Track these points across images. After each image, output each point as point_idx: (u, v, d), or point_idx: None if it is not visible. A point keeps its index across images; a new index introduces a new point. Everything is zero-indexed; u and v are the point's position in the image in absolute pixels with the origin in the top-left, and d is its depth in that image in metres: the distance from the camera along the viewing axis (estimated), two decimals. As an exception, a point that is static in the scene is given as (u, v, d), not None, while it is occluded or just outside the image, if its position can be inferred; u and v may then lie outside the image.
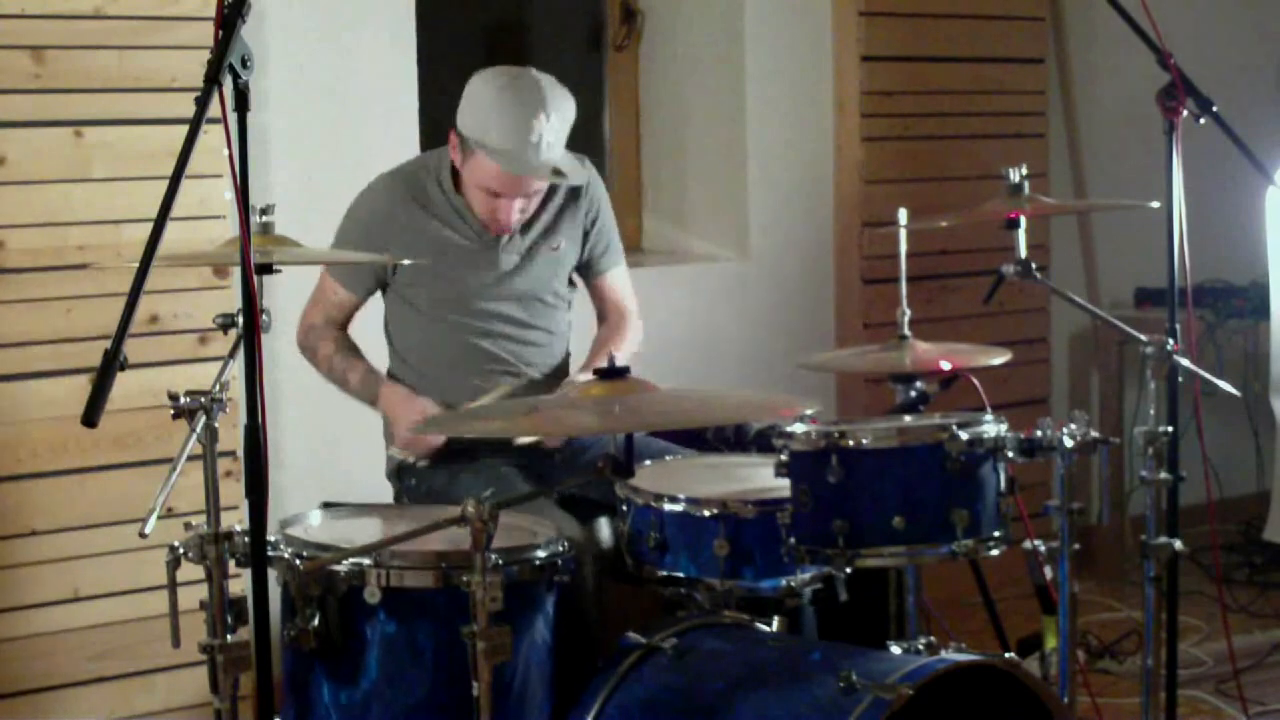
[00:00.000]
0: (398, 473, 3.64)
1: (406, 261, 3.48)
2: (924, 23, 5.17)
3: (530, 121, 3.41)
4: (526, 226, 3.63)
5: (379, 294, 3.69)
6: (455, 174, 3.58)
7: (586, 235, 3.73)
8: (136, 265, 2.36)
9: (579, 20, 5.33)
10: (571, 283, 3.77)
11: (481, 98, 3.47)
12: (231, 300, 3.80)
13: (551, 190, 3.64)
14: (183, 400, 2.77)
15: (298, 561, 2.80)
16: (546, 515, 3.15)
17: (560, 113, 3.47)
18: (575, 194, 3.69)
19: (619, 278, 3.82)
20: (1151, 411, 3.30)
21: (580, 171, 3.57)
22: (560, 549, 2.93)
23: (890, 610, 3.42)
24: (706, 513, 3.14)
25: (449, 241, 3.58)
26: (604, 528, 3.43)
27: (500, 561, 2.69)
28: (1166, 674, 3.39)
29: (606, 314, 3.83)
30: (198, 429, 2.77)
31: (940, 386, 3.56)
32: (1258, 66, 5.99)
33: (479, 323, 3.61)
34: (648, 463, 3.41)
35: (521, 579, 2.84)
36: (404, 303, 3.64)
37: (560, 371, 3.72)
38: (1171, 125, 3.29)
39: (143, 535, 2.69)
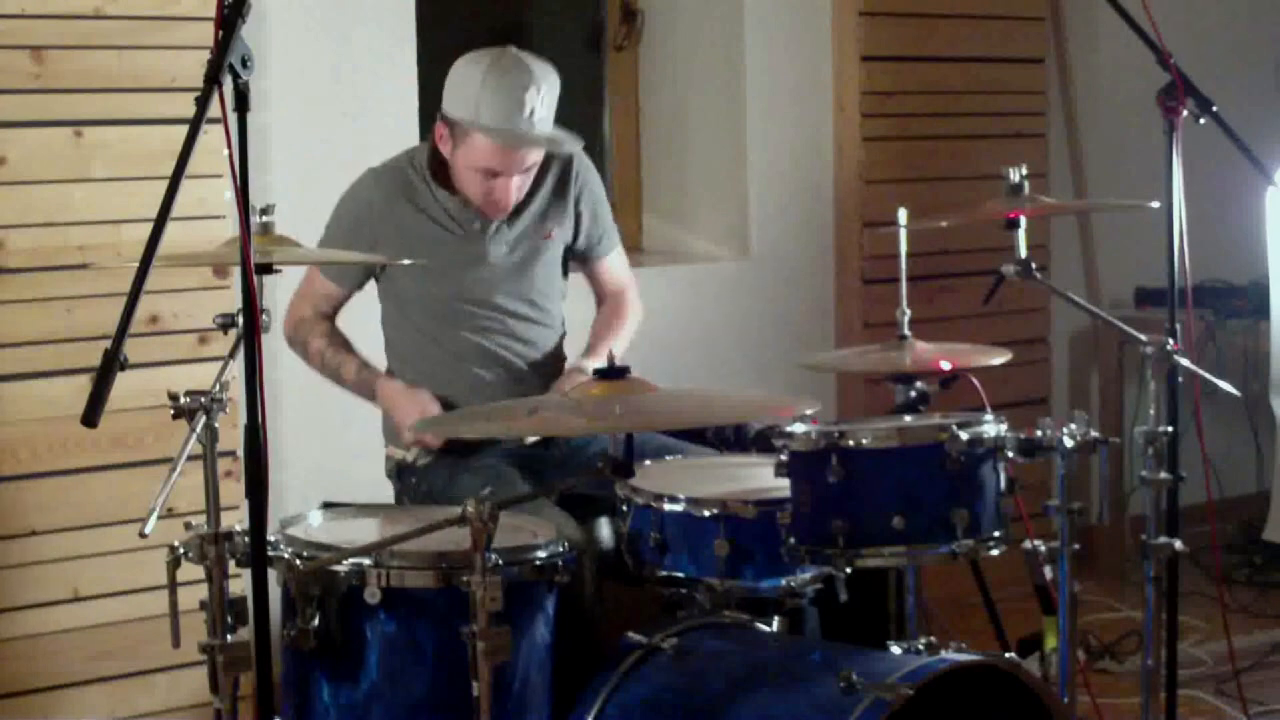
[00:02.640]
0: (398, 472, 3.64)
1: (405, 261, 3.48)
2: (924, 23, 5.17)
3: (521, 96, 3.44)
4: (514, 215, 3.62)
5: (373, 286, 3.69)
6: (436, 167, 3.57)
7: (578, 220, 3.72)
8: (136, 265, 2.36)
9: (579, 20, 5.33)
10: (566, 272, 3.77)
11: (469, 79, 3.48)
12: (231, 300, 3.80)
13: (539, 177, 3.64)
14: (183, 400, 2.78)
15: (298, 561, 2.80)
16: (545, 515, 3.15)
17: (548, 84, 3.49)
18: (563, 179, 3.69)
19: (616, 260, 3.84)
20: (1151, 411, 3.30)
21: (572, 140, 3.59)
22: (560, 549, 2.93)
23: (890, 610, 3.42)
24: (706, 513, 3.14)
25: (437, 236, 3.57)
26: (604, 528, 3.43)
27: (500, 561, 2.69)
28: (1166, 674, 3.39)
29: (604, 298, 3.85)
30: (198, 429, 2.77)
31: (940, 386, 3.56)
32: (1258, 66, 5.99)
33: (473, 317, 3.61)
34: (648, 463, 3.41)
35: (522, 579, 2.83)
36: (395, 299, 3.64)
37: (556, 361, 3.71)
38: (1171, 125, 3.29)
39: (143, 535, 2.69)
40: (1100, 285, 5.70)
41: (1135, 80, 3.80)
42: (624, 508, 3.24)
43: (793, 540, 3.02)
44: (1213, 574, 4.99)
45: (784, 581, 3.16)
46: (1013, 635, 3.79)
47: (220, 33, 2.43)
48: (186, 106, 2.41)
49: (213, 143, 2.51)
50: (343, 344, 3.69)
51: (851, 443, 2.97)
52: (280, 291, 3.71)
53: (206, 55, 2.43)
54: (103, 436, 3.83)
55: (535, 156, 3.54)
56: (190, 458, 2.78)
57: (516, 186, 3.55)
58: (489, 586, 2.58)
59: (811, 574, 3.16)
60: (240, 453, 2.71)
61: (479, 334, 3.61)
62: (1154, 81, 3.31)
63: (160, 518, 2.71)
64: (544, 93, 3.47)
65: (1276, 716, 4.17)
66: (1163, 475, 3.29)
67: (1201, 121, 3.30)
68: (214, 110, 2.41)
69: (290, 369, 4.06)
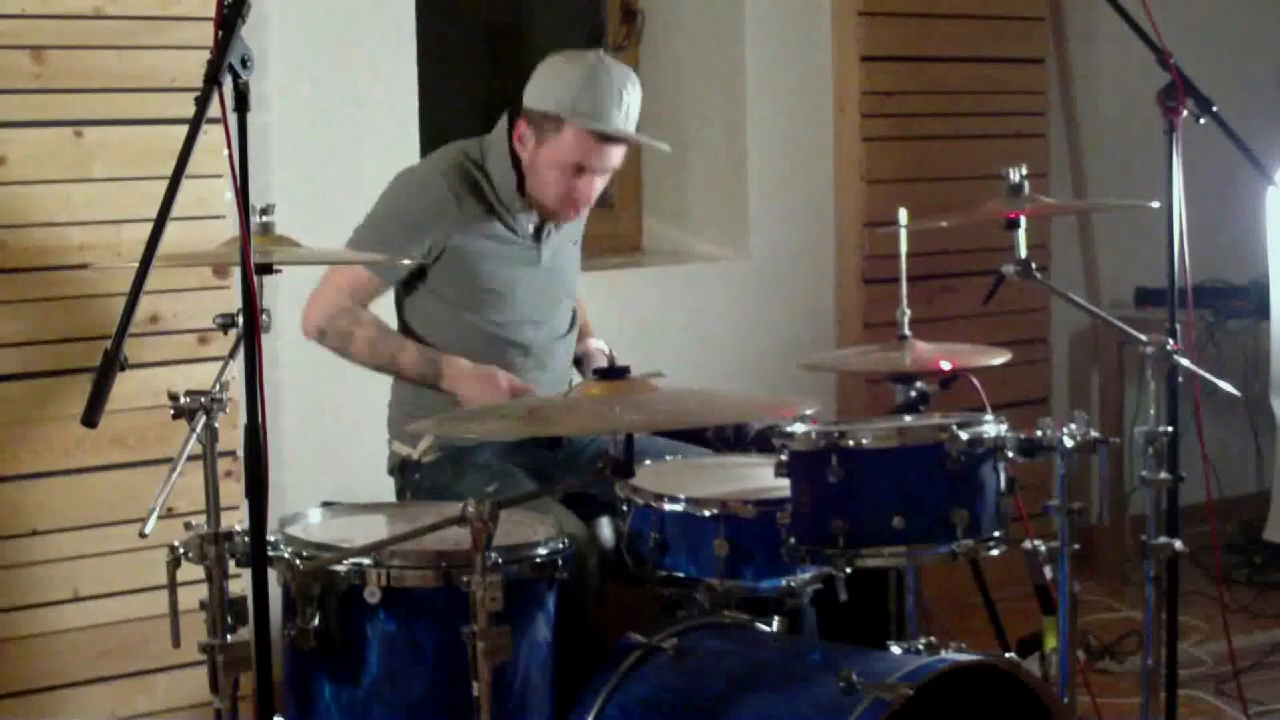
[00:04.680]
0: (401, 468, 3.63)
1: (406, 261, 3.47)
2: (924, 23, 5.17)
3: (621, 93, 3.53)
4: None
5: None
6: (516, 169, 3.59)
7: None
8: (136, 265, 2.36)
9: (579, 20, 5.33)
10: None
11: (567, 76, 3.53)
12: (231, 300, 3.80)
13: None
14: (183, 400, 2.78)
15: (298, 561, 2.80)
16: (548, 512, 3.16)
17: (638, 91, 3.60)
18: None
19: None
20: (1151, 411, 3.30)
21: (663, 142, 3.76)
22: (561, 546, 2.93)
23: (890, 610, 3.42)
24: (706, 513, 3.14)
25: (499, 235, 3.59)
26: (605, 528, 3.43)
27: (500, 560, 2.69)
28: (1166, 674, 3.39)
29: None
30: (198, 429, 2.77)
31: (940, 386, 3.56)
32: (1258, 66, 5.99)
33: (514, 318, 3.62)
34: (648, 463, 3.41)
35: (522, 577, 2.84)
36: (435, 296, 3.61)
37: (568, 359, 3.76)
38: (1171, 125, 3.29)
39: (143, 535, 2.69)
40: (1100, 285, 5.70)
41: (1135, 80, 3.80)
42: (624, 508, 3.25)
43: (793, 540, 3.02)
44: (1213, 574, 4.99)
45: (784, 581, 3.16)
46: (1013, 635, 3.78)
47: (220, 33, 2.43)
48: (186, 106, 2.40)
49: (213, 143, 2.51)
50: (391, 330, 3.65)
51: (851, 443, 2.97)
52: (281, 291, 3.71)
53: (206, 55, 2.43)
54: (103, 436, 3.83)
55: (620, 158, 3.60)
56: (190, 458, 2.78)
57: (599, 186, 3.61)
58: (489, 586, 2.58)
59: (811, 574, 3.16)
60: (240, 453, 2.71)
61: (518, 334, 3.62)
62: (1154, 81, 3.31)
63: (160, 518, 2.71)
64: (636, 96, 3.57)
65: (1276, 716, 4.17)
66: (1163, 475, 3.29)
67: (1201, 121, 3.30)
68: (214, 110, 2.42)
69: (290, 369, 4.06)
